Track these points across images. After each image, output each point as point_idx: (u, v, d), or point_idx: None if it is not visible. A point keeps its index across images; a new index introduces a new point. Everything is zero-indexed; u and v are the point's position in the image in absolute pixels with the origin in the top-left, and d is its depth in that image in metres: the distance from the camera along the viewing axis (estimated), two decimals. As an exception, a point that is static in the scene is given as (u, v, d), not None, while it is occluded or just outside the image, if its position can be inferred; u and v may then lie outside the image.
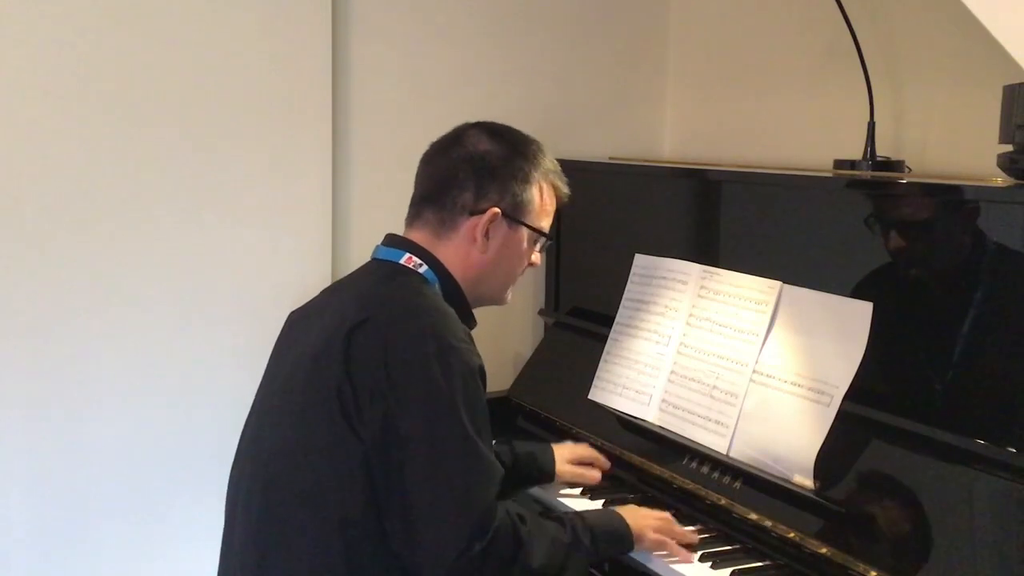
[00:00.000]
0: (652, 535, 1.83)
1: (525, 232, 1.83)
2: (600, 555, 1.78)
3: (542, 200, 1.85)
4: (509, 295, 1.91)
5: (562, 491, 2.15)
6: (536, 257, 1.90)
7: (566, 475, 2.14)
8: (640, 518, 1.86)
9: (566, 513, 1.82)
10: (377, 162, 2.62)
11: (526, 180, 1.81)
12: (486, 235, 1.78)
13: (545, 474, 2.12)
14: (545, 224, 1.87)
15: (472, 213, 1.78)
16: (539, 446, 2.15)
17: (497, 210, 1.78)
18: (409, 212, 1.85)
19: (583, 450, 2.20)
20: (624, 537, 1.81)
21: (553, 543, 1.68)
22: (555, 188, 1.88)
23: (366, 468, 1.58)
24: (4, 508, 2.27)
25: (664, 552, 1.83)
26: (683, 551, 1.84)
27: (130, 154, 2.31)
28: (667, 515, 1.91)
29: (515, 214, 1.81)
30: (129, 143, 2.31)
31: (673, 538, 1.85)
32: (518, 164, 1.81)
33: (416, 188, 1.86)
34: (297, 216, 2.51)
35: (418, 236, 1.81)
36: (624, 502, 2.00)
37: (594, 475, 2.15)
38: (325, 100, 2.51)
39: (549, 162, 1.87)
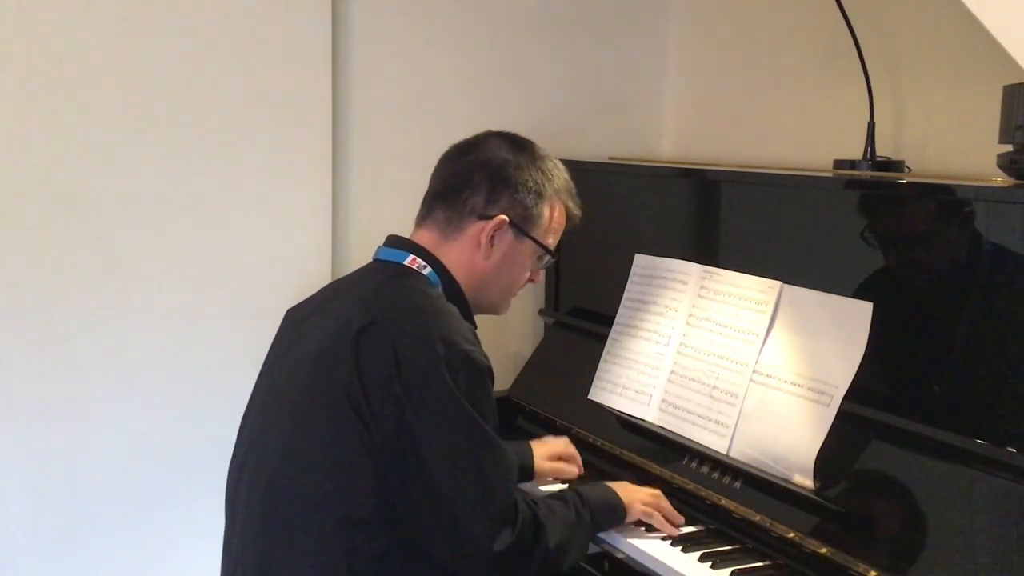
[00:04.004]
0: (639, 507, 1.91)
1: (530, 245, 1.84)
2: (598, 527, 1.86)
3: (552, 217, 1.86)
4: (507, 306, 1.92)
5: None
6: (539, 274, 1.92)
7: (546, 471, 2.15)
8: (631, 491, 1.94)
9: (565, 491, 1.87)
10: (377, 162, 2.62)
11: (539, 195, 1.82)
12: (491, 241, 1.80)
13: (525, 471, 2.12)
14: (551, 241, 1.88)
15: (480, 217, 1.79)
16: (518, 445, 2.14)
17: (505, 218, 1.79)
18: (421, 210, 1.87)
19: (561, 447, 2.20)
20: (617, 508, 1.89)
21: (563, 522, 1.74)
22: (567, 208, 1.89)
23: (377, 468, 1.59)
24: (4, 508, 2.27)
25: (651, 522, 1.91)
26: (668, 525, 1.91)
27: (130, 154, 2.31)
28: (658, 491, 1.97)
29: (523, 225, 1.82)
30: (129, 143, 2.31)
31: (660, 512, 1.92)
32: (534, 177, 1.82)
33: (430, 185, 1.87)
34: (297, 216, 2.51)
35: (424, 237, 1.82)
36: None
37: (572, 469, 2.17)
38: (325, 100, 2.50)
39: (565, 181, 1.89)
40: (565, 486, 2.13)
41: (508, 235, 1.81)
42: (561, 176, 1.88)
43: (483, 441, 1.63)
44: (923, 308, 1.80)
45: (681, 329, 2.16)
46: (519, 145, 1.85)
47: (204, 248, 2.41)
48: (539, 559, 1.67)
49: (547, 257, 1.89)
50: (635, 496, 1.92)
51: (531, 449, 2.15)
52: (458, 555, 1.62)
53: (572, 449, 2.20)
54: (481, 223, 1.79)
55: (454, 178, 1.82)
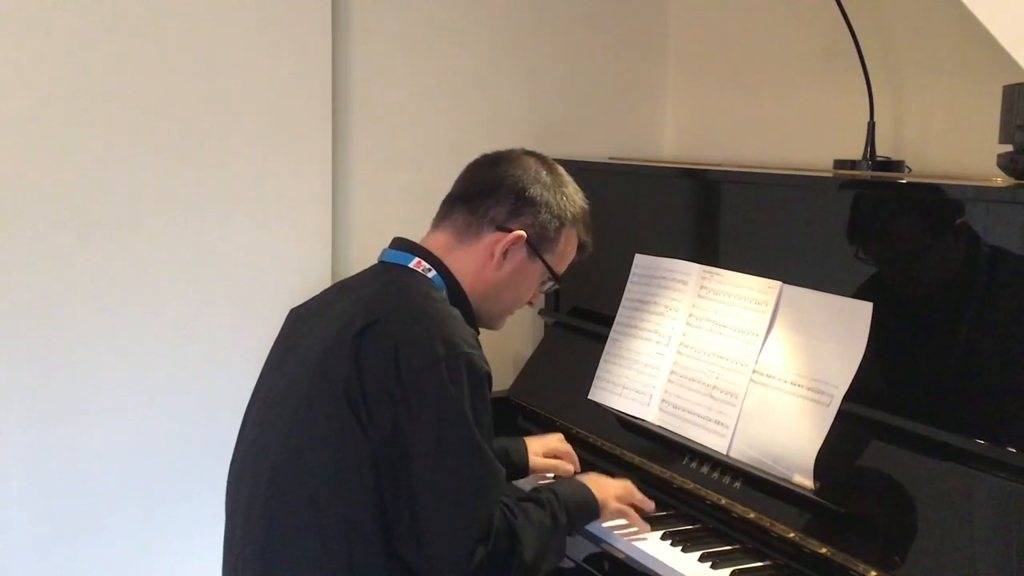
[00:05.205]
0: (614, 504, 1.91)
1: (540, 267, 1.84)
2: (574, 528, 1.85)
3: (567, 245, 1.87)
4: (503, 323, 1.92)
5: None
6: (539, 297, 1.92)
7: (539, 467, 2.14)
8: (604, 487, 1.92)
9: (541, 490, 1.85)
10: (377, 162, 2.62)
11: (561, 220, 1.83)
12: (504, 255, 1.79)
13: (519, 469, 2.12)
14: (560, 267, 1.88)
15: (499, 228, 1.79)
16: (512, 442, 2.14)
17: (523, 234, 1.79)
18: (440, 211, 1.86)
19: (556, 443, 2.20)
20: (593, 508, 1.89)
21: (539, 530, 1.72)
22: (579, 236, 1.90)
23: (375, 469, 1.59)
24: (4, 508, 2.27)
25: (624, 523, 1.92)
26: (642, 522, 1.93)
27: (130, 154, 2.31)
28: (627, 482, 1.98)
29: (538, 246, 1.82)
30: (129, 143, 2.31)
31: (633, 504, 1.93)
32: (559, 201, 1.83)
33: (453, 189, 1.87)
34: (297, 216, 2.51)
35: (439, 239, 1.82)
36: None
37: (567, 466, 2.16)
38: (325, 100, 2.51)
39: (583, 211, 1.89)
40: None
41: (522, 252, 1.81)
42: (580, 205, 1.88)
43: (473, 449, 1.61)
44: (923, 308, 1.80)
45: (681, 329, 2.16)
46: (550, 167, 1.86)
47: (204, 248, 2.41)
48: (514, 572, 1.65)
49: (551, 282, 1.89)
50: (608, 492, 1.91)
51: (526, 446, 2.15)
52: (427, 566, 1.60)
53: (567, 445, 2.20)
54: (498, 234, 1.79)
55: (482, 184, 1.82)
